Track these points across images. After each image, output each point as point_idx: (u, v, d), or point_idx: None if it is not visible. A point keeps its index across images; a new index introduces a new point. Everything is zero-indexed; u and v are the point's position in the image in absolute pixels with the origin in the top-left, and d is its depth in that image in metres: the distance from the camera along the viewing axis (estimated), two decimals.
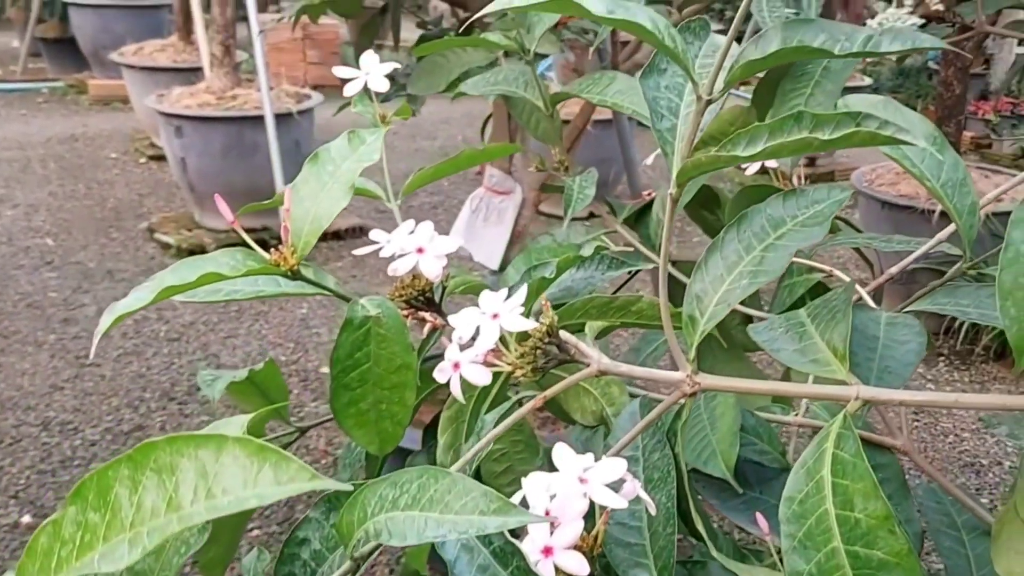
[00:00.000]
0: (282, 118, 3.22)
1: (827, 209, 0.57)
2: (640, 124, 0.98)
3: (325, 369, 2.60)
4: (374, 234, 0.73)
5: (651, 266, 0.85)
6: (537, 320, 0.57)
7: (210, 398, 0.74)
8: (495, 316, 0.54)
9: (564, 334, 0.59)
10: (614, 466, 0.51)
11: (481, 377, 0.54)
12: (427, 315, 0.74)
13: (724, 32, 0.73)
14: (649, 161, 1.07)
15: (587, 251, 0.71)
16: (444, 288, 0.75)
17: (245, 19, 3.17)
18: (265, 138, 3.06)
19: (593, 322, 0.64)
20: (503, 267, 1.69)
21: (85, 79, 5.53)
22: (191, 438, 0.34)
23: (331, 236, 3.50)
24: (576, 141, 1.76)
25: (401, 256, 0.70)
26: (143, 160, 4.43)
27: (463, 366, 0.54)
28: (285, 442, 0.83)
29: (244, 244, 0.61)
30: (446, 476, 0.43)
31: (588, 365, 0.57)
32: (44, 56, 5.99)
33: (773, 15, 0.86)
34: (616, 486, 0.51)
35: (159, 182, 4.14)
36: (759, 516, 0.61)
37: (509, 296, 0.56)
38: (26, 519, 1.97)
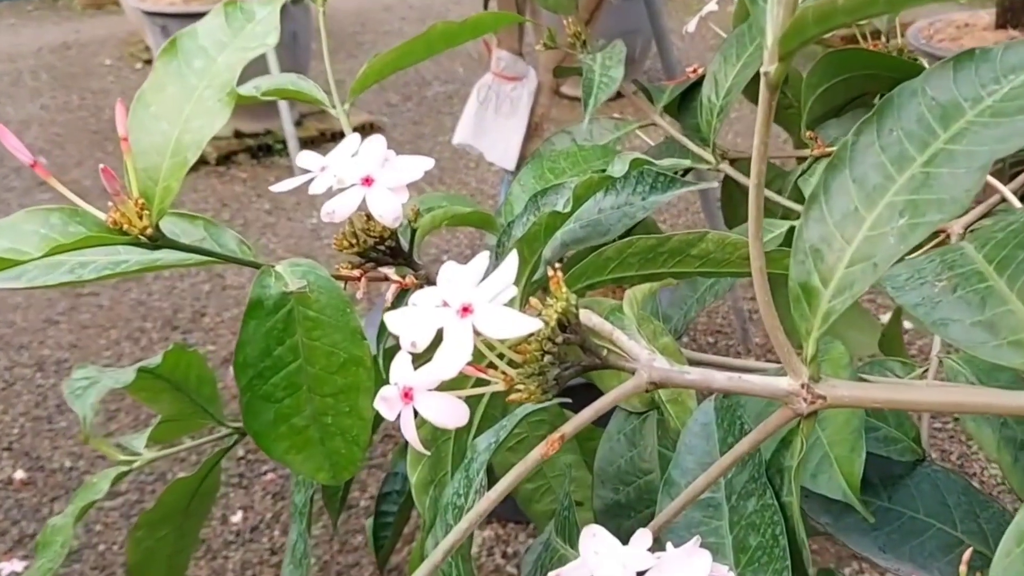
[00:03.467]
0: None
1: None
2: None
3: None
4: (302, 158, 0.50)
5: (708, 171, 0.61)
6: (542, 300, 0.34)
7: (81, 418, 0.52)
8: (465, 310, 0.31)
9: (589, 316, 0.36)
10: (688, 563, 0.29)
11: (450, 416, 0.32)
12: (389, 272, 0.52)
13: None
14: (692, 27, 0.82)
15: (618, 168, 0.47)
16: (413, 230, 0.52)
17: None
18: None
19: (635, 290, 0.41)
20: (520, 167, 1.44)
21: None
22: None
23: (330, 137, 3.22)
24: (596, 12, 1.49)
25: (340, 191, 0.48)
26: (139, 66, 4.18)
27: (418, 396, 0.32)
28: (224, 447, 0.61)
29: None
30: None
31: (633, 371, 0.34)
32: None
33: None
34: None
35: None
36: None
37: (493, 268, 0.33)
38: (19, 474, 1.81)
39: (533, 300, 0.34)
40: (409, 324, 0.32)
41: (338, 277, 0.49)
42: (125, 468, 0.59)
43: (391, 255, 0.52)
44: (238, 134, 3.18)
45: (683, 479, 0.38)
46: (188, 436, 0.65)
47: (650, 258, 0.45)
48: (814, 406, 0.32)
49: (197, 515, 0.65)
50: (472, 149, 1.49)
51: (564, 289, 0.34)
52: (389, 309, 0.51)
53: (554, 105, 1.52)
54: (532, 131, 1.46)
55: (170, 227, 0.44)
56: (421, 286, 0.52)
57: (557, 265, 0.34)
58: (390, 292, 0.51)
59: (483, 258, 0.34)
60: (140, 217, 0.37)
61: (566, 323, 0.33)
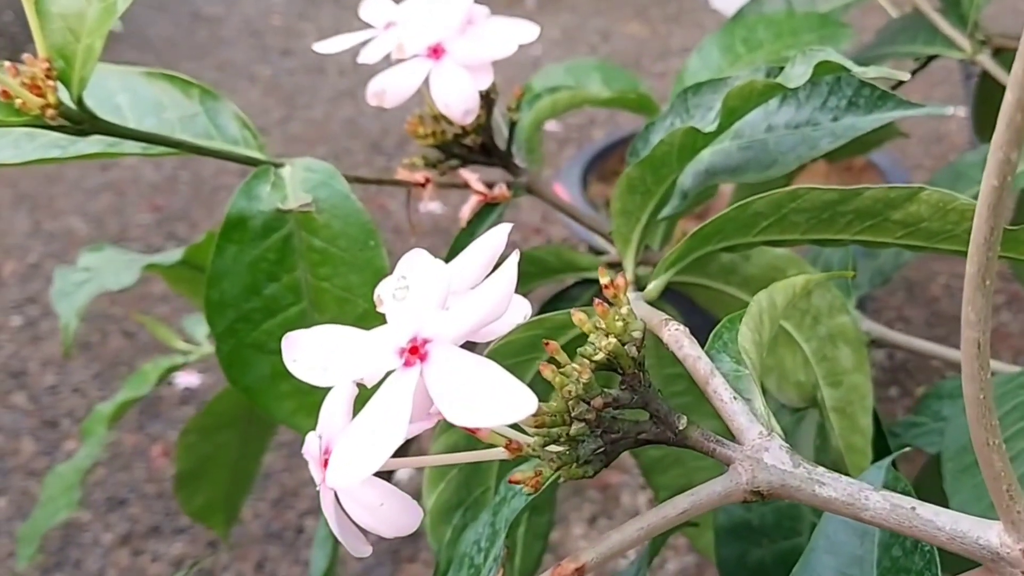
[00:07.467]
0: None
1: None
2: None
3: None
4: (367, 7, 0.37)
5: (963, 63, 0.42)
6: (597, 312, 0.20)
7: (62, 326, 0.42)
8: (413, 351, 0.17)
9: (678, 340, 0.22)
10: None
11: (383, 518, 0.19)
12: (469, 175, 0.38)
13: None
14: None
15: (797, 73, 0.30)
16: (513, 123, 0.38)
17: None
18: None
19: (777, 289, 0.25)
20: None
21: None
22: None
23: None
24: None
25: (397, 63, 0.34)
26: None
27: (332, 473, 0.19)
28: None
29: None
30: None
31: (728, 460, 0.20)
32: None
33: None
34: None
35: None
36: None
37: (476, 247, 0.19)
38: None
39: (578, 315, 0.20)
40: (337, 348, 0.19)
41: (395, 182, 0.36)
42: (180, 360, 0.51)
43: (482, 152, 0.39)
44: None
45: None
46: None
47: (825, 219, 0.28)
48: None
49: (266, 421, 0.56)
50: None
51: (625, 304, 0.20)
52: (464, 233, 0.38)
53: None
54: None
55: (154, 93, 0.32)
56: (508, 198, 0.38)
57: (608, 279, 0.20)
58: (467, 207, 0.38)
59: (499, 234, 0.20)
60: (41, 91, 0.25)
61: (617, 369, 0.19)
